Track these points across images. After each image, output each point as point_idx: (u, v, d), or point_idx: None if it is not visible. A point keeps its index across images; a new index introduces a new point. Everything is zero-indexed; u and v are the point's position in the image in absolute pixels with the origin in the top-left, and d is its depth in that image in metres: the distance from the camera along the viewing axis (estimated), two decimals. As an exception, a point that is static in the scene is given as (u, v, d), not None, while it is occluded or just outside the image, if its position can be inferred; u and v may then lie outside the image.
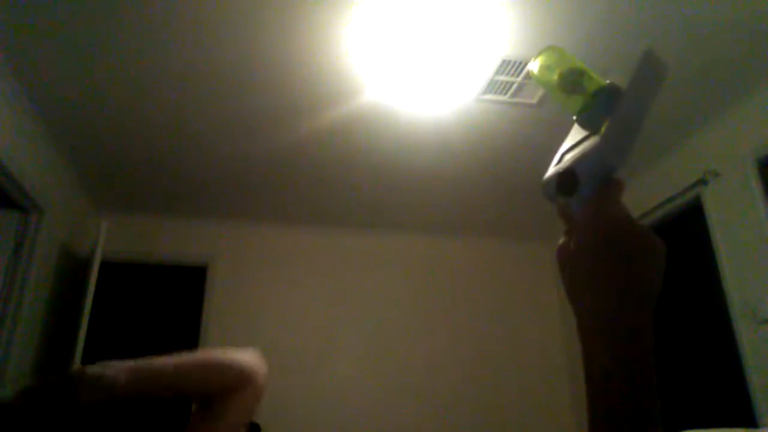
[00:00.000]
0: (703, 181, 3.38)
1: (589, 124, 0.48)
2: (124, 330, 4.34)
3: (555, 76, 0.54)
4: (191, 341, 4.31)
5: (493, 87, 2.95)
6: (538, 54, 0.55)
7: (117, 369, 0.72)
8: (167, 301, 4.54)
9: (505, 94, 3.01)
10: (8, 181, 2.94)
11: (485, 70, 2.81)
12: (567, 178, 0.46)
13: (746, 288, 3.09)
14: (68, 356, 3.48)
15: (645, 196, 3.89)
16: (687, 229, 3.65)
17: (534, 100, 3.09)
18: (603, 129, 0.45)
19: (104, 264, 3.83)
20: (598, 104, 0.49)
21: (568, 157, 0.48)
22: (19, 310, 3.15)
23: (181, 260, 4.56)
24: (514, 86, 2.95)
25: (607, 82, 0.50)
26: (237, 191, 4.23)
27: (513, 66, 2.79)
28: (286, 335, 4.47)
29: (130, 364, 0.75)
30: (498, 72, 2.83)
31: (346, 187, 4.17)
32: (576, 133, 0.50)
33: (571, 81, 0.52)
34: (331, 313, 4.63)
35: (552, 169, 0.49)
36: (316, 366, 4.43)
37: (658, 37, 2.62)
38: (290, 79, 2.89)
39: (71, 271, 3.98)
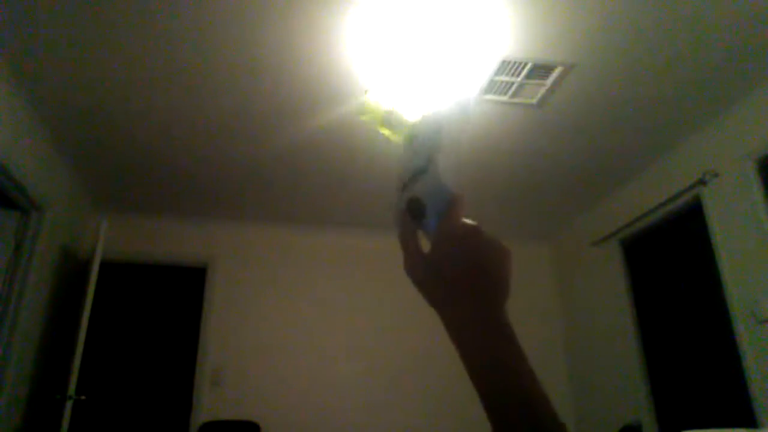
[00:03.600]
0: (703, 181, 3.38)
1: (418, 153, 0.58)
2: (124, 330, 4.35)
3: (379, 123, 0.69)
4: (191, 341, 4.31)
5: (493, 87, 2.95)
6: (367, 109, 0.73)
7: None
8: (167, 301, 4.54)
9: (505, 94, 3.02)
10: (8, 181, 2.94)
11: (485, 70, 2.81)
12: (415, 205, 0.54)
13: (746, 288, 3.09)
14: (68, 356, 3.48)
15: (645, 196, 3.89)
16: (687, 229, 3.65)
17: (534, 100, 3.09)
18: (430, 162, 0.54)
19: (104, 264, 3.83)
20: (418, 136, 0.59)
21: (411, 185, 0.57)
22: (19, 310, 3.15)
23: (181, 260, 4.56)
24: (514, 86, 2.95)
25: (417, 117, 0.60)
26: (237, 191, 4.23)
27: (513, 66, 2.79)
28: (285, 335, 4.47)
29: None
30: (498, 72, 2.83)
31: (346, 187, 4.17)
32: (409, 159, 0.59)
33: (390, 121, 0.67)
34: (332, 312, 4.63)
35: (398, 196, 0.58)
36: (316, 365, 4.43)
37: (657, 37, 2.62)
38: (290, 79, 2.89)
39: (71, 271, 3.98)
